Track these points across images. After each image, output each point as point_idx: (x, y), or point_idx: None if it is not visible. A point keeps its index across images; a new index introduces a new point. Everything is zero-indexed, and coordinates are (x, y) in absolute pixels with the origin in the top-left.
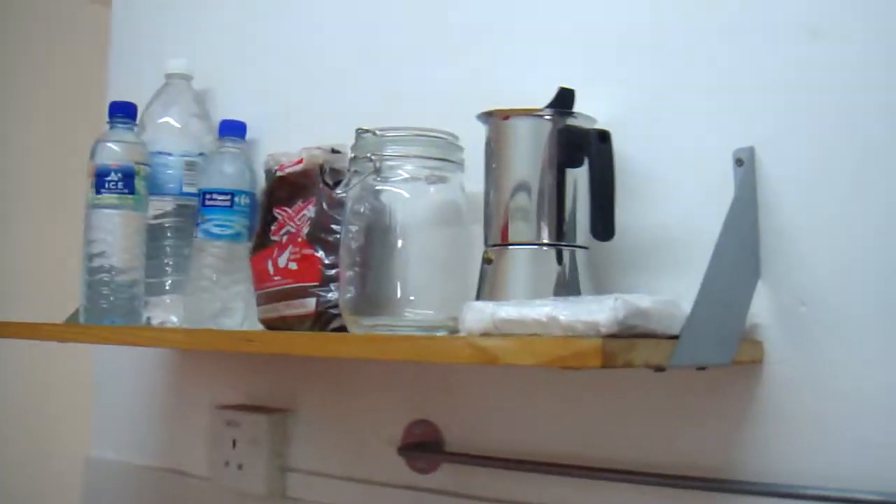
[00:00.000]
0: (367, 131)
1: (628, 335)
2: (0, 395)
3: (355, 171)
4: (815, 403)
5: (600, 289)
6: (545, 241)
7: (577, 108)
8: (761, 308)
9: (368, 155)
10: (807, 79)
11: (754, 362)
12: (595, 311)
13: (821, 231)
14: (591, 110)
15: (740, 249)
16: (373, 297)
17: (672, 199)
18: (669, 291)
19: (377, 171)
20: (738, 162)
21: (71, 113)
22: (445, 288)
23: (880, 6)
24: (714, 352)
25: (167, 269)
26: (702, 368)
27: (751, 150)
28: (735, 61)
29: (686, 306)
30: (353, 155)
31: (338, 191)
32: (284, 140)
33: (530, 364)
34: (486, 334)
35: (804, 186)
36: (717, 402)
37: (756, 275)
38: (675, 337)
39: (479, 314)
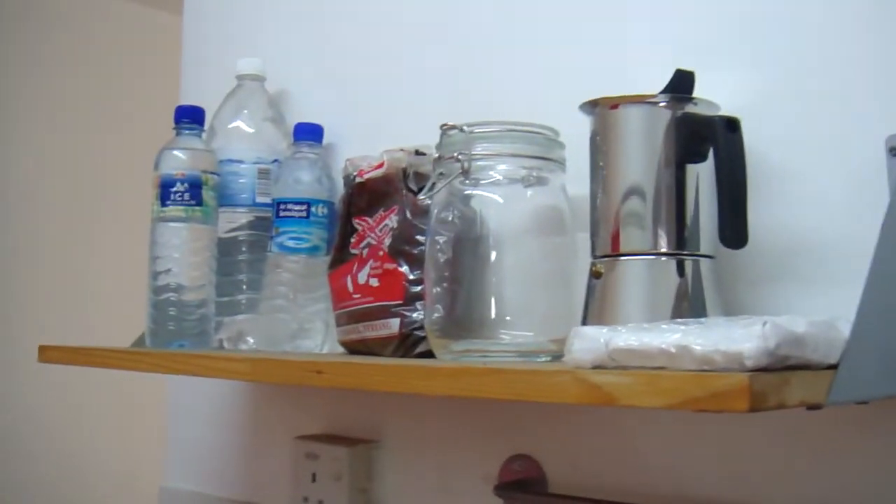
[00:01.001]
0: (454, 127)
1: (780, 368)
2: (73, 417)
3: (441, 174)
4: None
5: (730, 306)
6: (664, 249)
7: (697, 93)
8: None
9: (455, 154)
10: None
11: None
12: (739, 339)
13: None
14: (713, 96)
15: None
16: (463, 318)
17: (811, 199)
18: (811, 308)
19: (465, 172)
20: (893, 151)
21: (147, 126)
22: (547, 306)
23: None
24: (878, 382)
25: (242, 286)
26: (863, 402)
27: None
28: (886, 35)
29: (843, 327)
30: (437, 155)
31: (421, 196)
32: (365, 143)
33: (657, 406)
34: (599, 367)
35: None
36: (879, 441)
37: None
38: (833, 366)
39: (589, 343)
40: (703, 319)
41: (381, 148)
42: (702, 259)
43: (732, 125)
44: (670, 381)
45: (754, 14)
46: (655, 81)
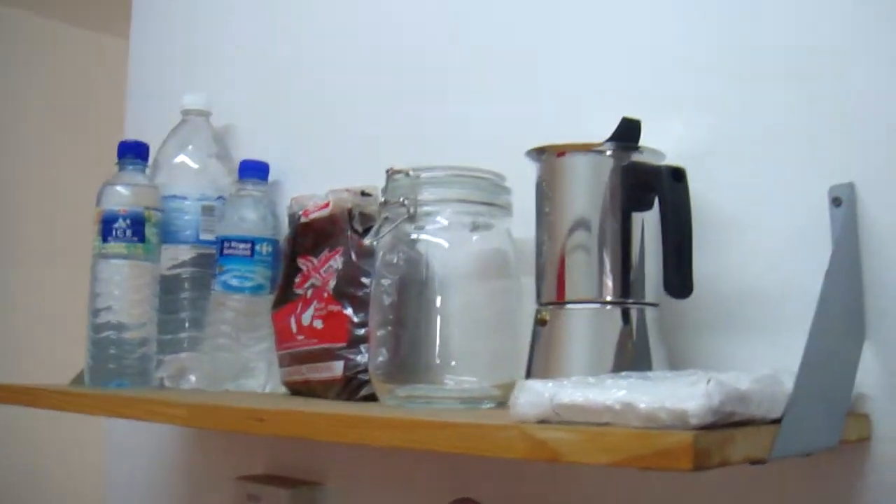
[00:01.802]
0: (400, 172)
1: (724, 425)
2: (6, 461)
3: (386, 218)
4: None
5: (675, 354)
6: (609, 298)
7: (645, 140)
8: (868, 375)
9: (401, 199)
10: None
11: (861, 440)
12: (683, 397)
13: None
14: (660, 144)
15: (844, 307)
16: (407, 362)
17: (756, 247)
18: (754, 356)
19: (412, 217)
20: (836, 201)
21: (89, 152)
22: (491, 351)
23: None
24: (820, 434)
25: (184, 324)
26: (808, 455)
27: (850, 188)
28: (829, 85)
29: (787, 380)
30: (383, 199)
31: (366, 241)
32: (311, 182)
33: (601, 463)
34: (544, 422)
35: None
36: (818, 491)
37: (861, 336)
38: (776, 421)
39: (535, 397)
40: (649, 374)
41: (328, 186)
42: (647, 307)
43: (678, 175)
44: (614, 439)
45: (701, 63)
46: (605, 128)
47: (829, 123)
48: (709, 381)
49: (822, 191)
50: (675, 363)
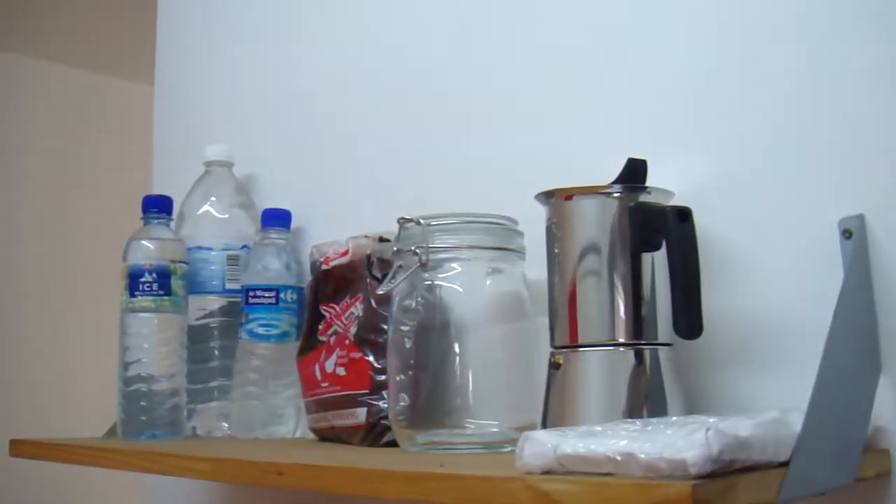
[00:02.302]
0: (411, 220)
1: (726, 472)
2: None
3: (400, 266)
4: None
5: (690, 393)
6: (621, 340)
7: (650, 181)
8: (886, 408)
9: (413, 248)
10: None
11: (880, 476)
12: (682, 447)
13: None
14: (667, 183)
15: (857, 340)
16: (427, 408)
17: (767, 283)
18: (770, 392)
19: (424, 265)
20: (846, 234)
21: (120, 201)
22: (510, 394)
23: None
24: (832, 474)
25: (214, 373)
26: (821, 494)
27: (860, 219)
28: (838, 114)
29: (795, 421)
30: (395, 248)
31: (380, 289)
32: (333, 228)
33: None
34: (548, 473)
35: None
36: None
37: (877, 369)
38: (784, 464)
39: (539, 447)
40: (652, 420)
41: (351, 232)
42: (660, 347)
43: (683, 215)
44: (615, 490)
45: (705, 97)
46: (614, 166)
47: (836, 154)
48: (707, 430)
49: (833, 223)
50: (692, 403)
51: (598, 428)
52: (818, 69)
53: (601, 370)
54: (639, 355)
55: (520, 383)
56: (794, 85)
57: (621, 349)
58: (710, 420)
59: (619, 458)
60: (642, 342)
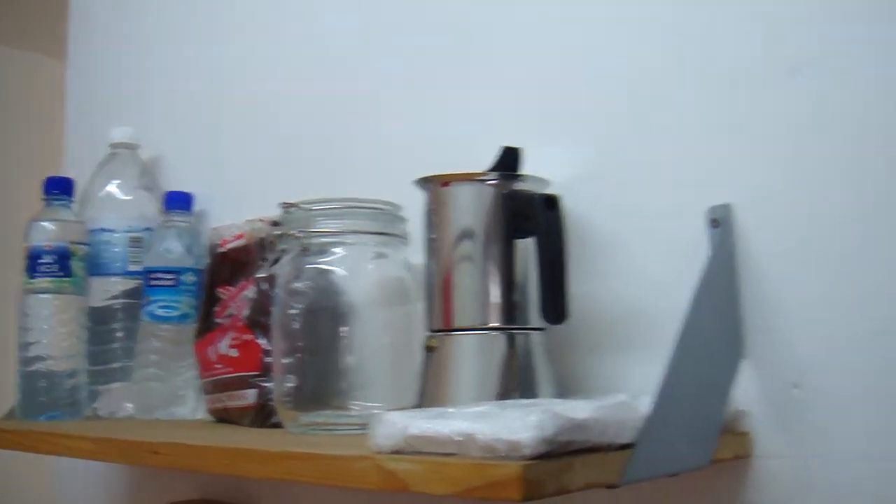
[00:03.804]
0: (293, 205)
1: (562, 453)
2: None
3: (283, 250)
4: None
5: (561, 377)
6: (494, 324)
7: (532, 169)
8: (747, 393)
9: (294, 232)
10: (793, 126)
11: (739, 458)
12: (517, 429)
13: (814, 303)
14: (546, 171)
15: (717, 325)
16: (311, 390)
17: (639, 269)
18: (639, 376)
19: (305, 249)
20: (713, 223)
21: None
22: (393, 376)
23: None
24: (685, 456)
25: (117, 354)
26: (674, 475)
27: (727, 209)
28: (706, 109)
29: (643, 403)
30: (279, 232)
31: (259, 274)
32: (235, 212)
33: (444, 493)
34: (397, 452)
35: (792, 251)
36: None
37: (739, 354)
38: (630, 445)
39: (389, 428)
40: (507, 403)
41: (251, 216)
42: (532, 332)
43: (550, 202)
44: (454, 470)
45: (587, 91)
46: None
47: (706, 146)
48: (543, 413)
49: (701, 212)
50: (563, 386)
51: (451, 410)
52: (688, 66)
53: (474, 353)
54: (511, 339)
55: (403, 366)
56: (666, 80)
57: (494, 333)
58: (553, 403)
59: (460, 439)
60: (514, 327)
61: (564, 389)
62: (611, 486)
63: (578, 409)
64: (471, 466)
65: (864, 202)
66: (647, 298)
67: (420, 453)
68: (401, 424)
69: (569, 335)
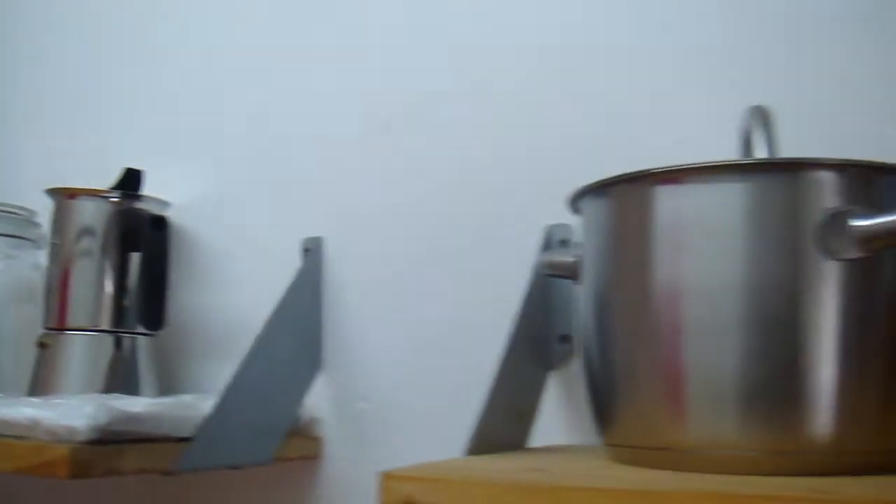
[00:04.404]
0: None
1: (118, 441)
2: None
3: None
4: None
5: (164, 376)
6: (104, 326)
7: (155, 189)
8: (321, 402)
9: None
10: (378, 172)
11: (308, 458)
12: (74, 417)
13: (385, 326)
14: (173, 192)
15: (295, 339)
16: None
17: (243, 286)
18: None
19: None
20: (306, 251)
21: None
22: (15, 367)
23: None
24: (246, 451)
25: None
26: (236, 468)
27: (318, 241)
28: (312, 152)
29: (207, 403)
30: None
31: None
32: None
33: (11, 470)
34: None
35: (369, 281)
36: (277, 500)
37: (316, 367)
38: (187, 439)
39: None
40: (89, 396)
41: None
42: (138, 336)
43: (157, 223)
44: (21, 450)
45: (211, 121)
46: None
47: (305, 185)
48: (98, 406)
49: (299, 240)
50: (168, 385)
51: (34, 399)
52: (296, 104)
53: (84, 352)
54: (118, 341)
55: (25, 359)
56: (278, 117)
57: (102, 335)
58: (116, 398)
59: (29, 423)
60: (122, 330)
61: (168, 388)
62: (167, 473)
63: (135, 404)
64: (32, 447)
65: (425, 248)
66: (247, 313)
67: (2, 436)
68: None
69: (178, 340)
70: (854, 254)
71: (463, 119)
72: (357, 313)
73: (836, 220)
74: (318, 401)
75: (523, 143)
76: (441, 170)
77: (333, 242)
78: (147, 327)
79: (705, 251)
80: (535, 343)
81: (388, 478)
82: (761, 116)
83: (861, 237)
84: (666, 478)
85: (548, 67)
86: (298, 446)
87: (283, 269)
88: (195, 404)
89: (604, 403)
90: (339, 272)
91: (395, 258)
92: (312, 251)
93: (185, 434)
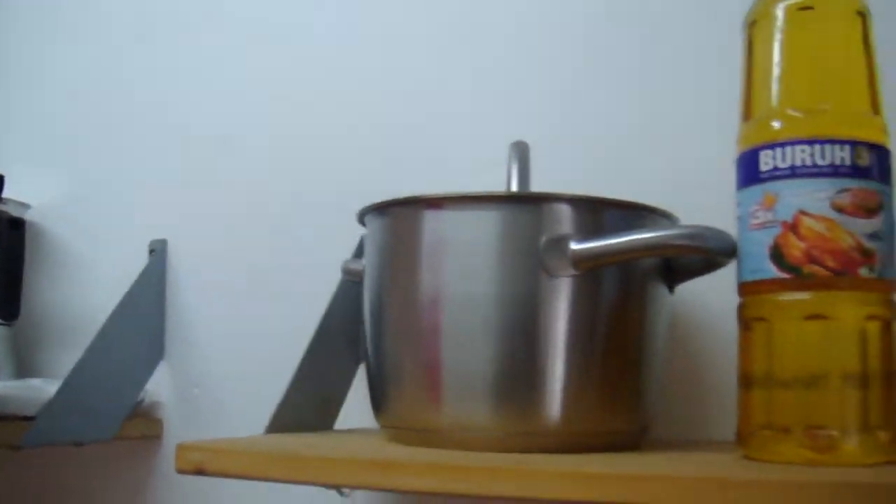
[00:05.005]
0: None
1: None
2: None
3: None
4: (201, 480)
5: (23, 364)
6: None
7: (26, 189)
8: (162, 388)
9: None
10: (221, 179)
11: (149, 437)
12: None
13: (221, 321)
14: (33, 196)
15: (138, 330)
16: None
17: (95, 282)
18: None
19: None
20: (152, 252)
21: None
22: None
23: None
24: (88, 430)
25: None
26: (79, 444)
27: (163, 242)
28: (161, 159)
29: (53, 388)
30: None
31: None
32: None
33: None
34: None
35: (208, 279)
36: (121, 475)
37: (158, 356)
38: (31, 418)
39: None
40: None
41: None
42: None
43: (15, 224)
44: None
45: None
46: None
47: (150, 190)
48: None
49: (146, 242)
50: (23, 372)
51: None
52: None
53: None
54: None
55: None
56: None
57: None
58: None
59: None
60: None
61: (22, 375)
62: (14, 448)
63: None
64: None
65: (261, 251)
66: (97, 307)
67: None
68: None
69: (34, 333)
70: (571, 272)
71: (300, 132)
72: (196, 309)
73: (557, 243)
74: (159, 387)
75: (353, 158)
76: (278, 180)
77: (178, 244)
78: (2, 318)
79: (461, 267)
80: (345, 337)
81: (182, 448)
82: (519, 150)
83: (575, 258)
84: (416, 453)
85: (374, 82)
86: (140, 427)
87: (131, 268)
88: (42, 387)
89: (378, 391)
90: (182, 271)
91: (233, 260)
92: (157, 252)
93: (31, 413)
